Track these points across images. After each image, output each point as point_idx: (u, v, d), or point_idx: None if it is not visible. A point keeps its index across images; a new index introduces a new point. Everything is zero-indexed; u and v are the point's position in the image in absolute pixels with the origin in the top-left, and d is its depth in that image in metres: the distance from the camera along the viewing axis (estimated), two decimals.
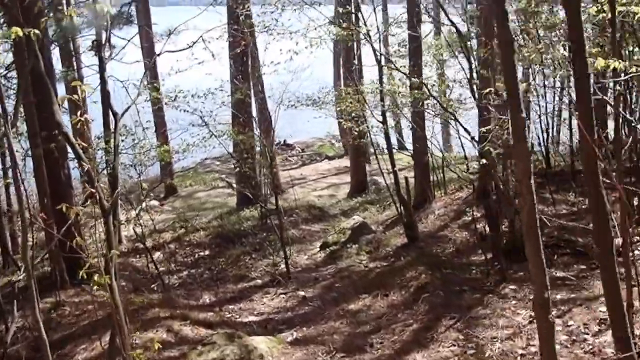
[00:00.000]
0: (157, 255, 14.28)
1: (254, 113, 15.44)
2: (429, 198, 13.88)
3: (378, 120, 11.68)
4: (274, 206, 13.05)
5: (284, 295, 10.43)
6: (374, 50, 11.09)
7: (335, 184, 21.57)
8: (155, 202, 20.11)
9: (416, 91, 10.03)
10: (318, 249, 13.03)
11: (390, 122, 13.15)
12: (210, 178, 22.65)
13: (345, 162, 24.81)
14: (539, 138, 16.08)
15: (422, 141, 13.74)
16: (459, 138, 16.86)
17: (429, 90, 9.28)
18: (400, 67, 12.85)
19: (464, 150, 17.15)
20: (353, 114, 13.30)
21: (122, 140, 13.42)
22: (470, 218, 12.44)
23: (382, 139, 12.96)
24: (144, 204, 18.91)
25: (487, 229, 11.27)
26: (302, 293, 10.36)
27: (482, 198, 13.37)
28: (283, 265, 11.91)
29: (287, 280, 11.18)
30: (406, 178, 12.20)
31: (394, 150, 13.15)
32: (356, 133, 14.10)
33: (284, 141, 27.47)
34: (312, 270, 11.89)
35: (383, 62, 11.26)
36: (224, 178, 22.36)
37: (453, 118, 10.13)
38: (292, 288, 10.72)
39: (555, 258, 9.44)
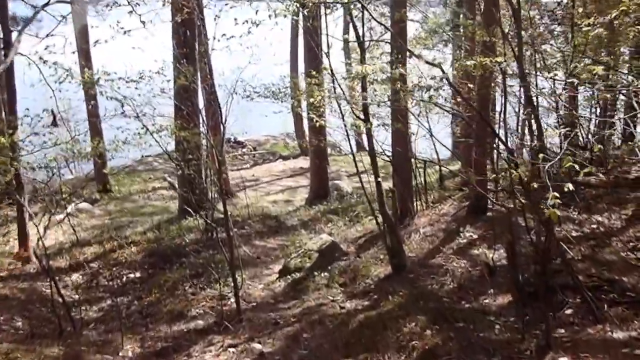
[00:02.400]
0: (75, 277, 11.02)
1: (201, 104, 12.22)
2: (411, 212, 10.97)
3: (357, 117, 8.64)
4: (222, 214, 9.98)
5: (233, 349, 7.30)
6: (354, 22, 8.07)
7: (291, 187, 18.49)
8: (85, 205, 16.67)
9: (436, 78, 6.95)
10: (277, 275, 9.96)
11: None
12: (151, 178, 19.28)
13: (301, 162, 21.84)
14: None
15: (404, 143, 10.82)
16: (433, 140, 14.11)
17: (444, 73, 6.14)
18: (381, 54, 9.85)
19: (437, 154, 14.42)
20: (322, 109, 10.35)
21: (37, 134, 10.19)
22: (465, 240, 9.63)
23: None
24: (70, 208, 15.62)
25: (493, 259, 8.47)
26: (258, 346, 7.27)
27: (475, 214, 10.60)
28: (232, 299, 8.83)
29: (238, 324, 8.08)
30: (393, 191, 9.28)
31: (348, 151, 10.27)
32: (331, 132, 11.06)
33: (235, 138, 24.29)
34: (270, 306, 8.81)
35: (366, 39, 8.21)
36: (166, 178, 19.06)
37: (477, 112, 7.12)
38: (244, 337, 7.62)
39: (606, 309, 6.61)
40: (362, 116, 8.64)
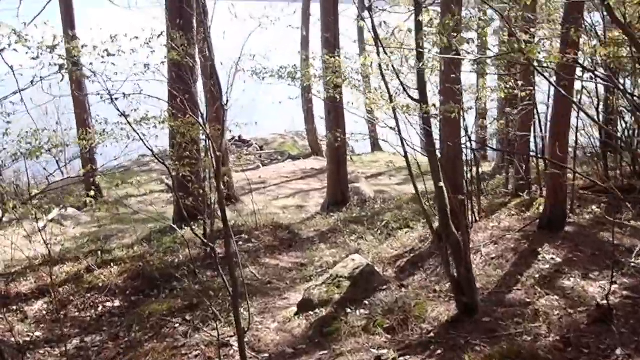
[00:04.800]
0: (39, 305, 8.29)
1: (200, 88, 9.51)
2: (468, 224, 8.21)
3: (413, 99, 5.92)
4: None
5: None
6: None
7: (302, 190, 15.77)
8: (71, 211, 13.96)
9: None
10: (295, 310, 7.18)
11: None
12: (143, 180, 16.56)
13: (312, 163, 19.14)
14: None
15: (457, 135, 8.07)
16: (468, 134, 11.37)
17: None
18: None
19: (473, 151, 11.66)
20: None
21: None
22: (548, 266, 6.89)
23: None
24: (53, 214, 12.94)
25: (607, 297, 5.71)
26: None
27: (551, 229, 7.86)
28: (235, 345, 6.12)
29: None
30: (462, 201, 6.54)
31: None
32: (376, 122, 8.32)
33: (239, 136, 21.49)
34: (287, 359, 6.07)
35: None
36: (164, 180, 16.36)
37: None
38: None
39: None
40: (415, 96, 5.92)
